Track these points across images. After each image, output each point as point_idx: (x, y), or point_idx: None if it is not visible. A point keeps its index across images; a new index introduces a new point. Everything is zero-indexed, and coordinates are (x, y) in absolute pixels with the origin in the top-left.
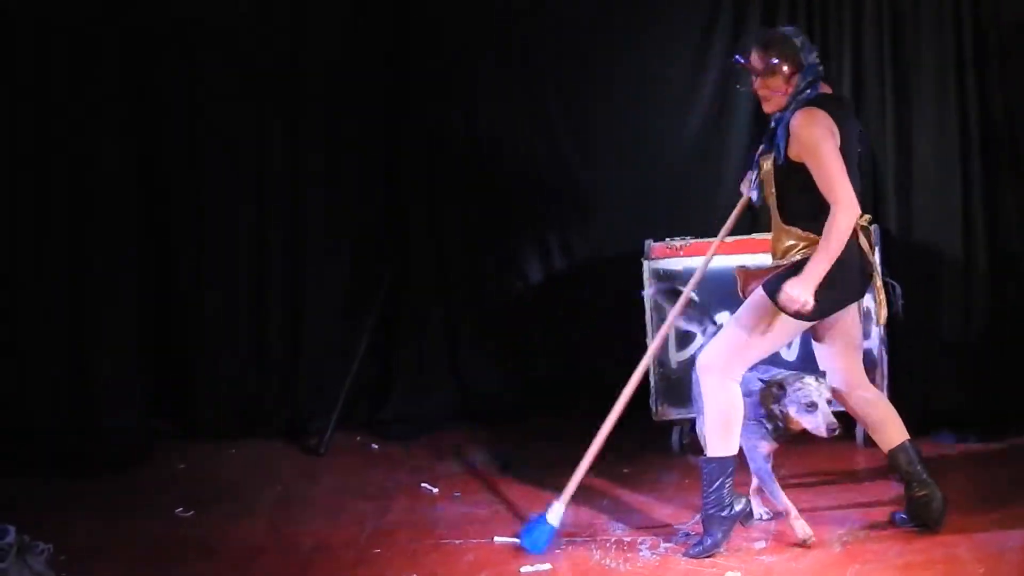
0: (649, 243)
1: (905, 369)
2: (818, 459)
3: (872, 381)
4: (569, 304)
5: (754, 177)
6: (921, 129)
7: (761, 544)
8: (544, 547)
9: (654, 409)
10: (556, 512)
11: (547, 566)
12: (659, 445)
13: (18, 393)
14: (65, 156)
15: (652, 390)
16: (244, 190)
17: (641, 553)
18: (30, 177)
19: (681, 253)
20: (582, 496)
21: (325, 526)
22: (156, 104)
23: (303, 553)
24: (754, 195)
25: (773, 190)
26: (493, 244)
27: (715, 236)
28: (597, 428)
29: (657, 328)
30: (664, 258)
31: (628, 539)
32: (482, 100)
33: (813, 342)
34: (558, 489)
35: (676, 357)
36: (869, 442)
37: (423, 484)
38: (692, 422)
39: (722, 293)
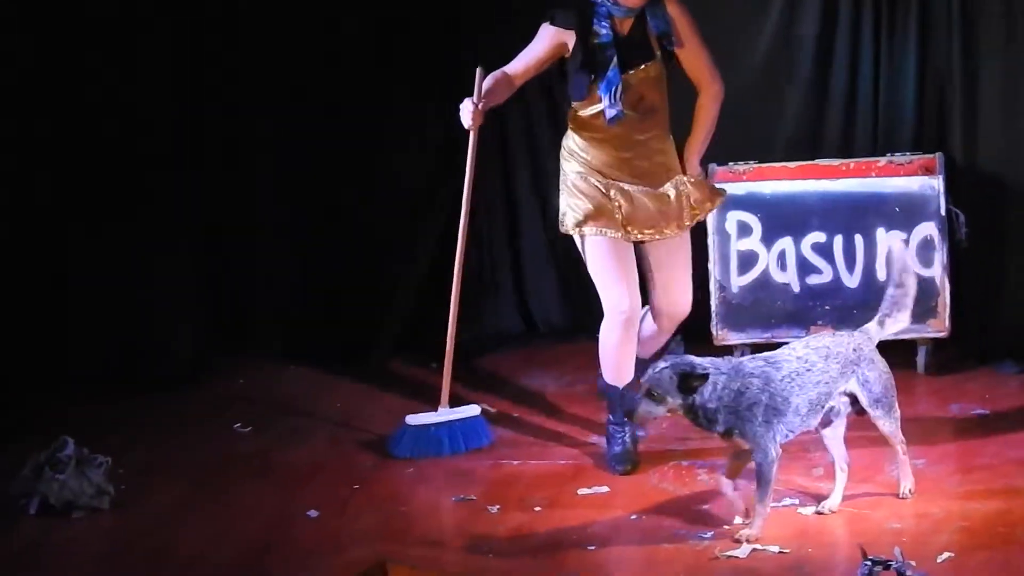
0: (712, 167)
1: (967, 297)
2: None
3: (934, 310)
4: None
5: (617, 92)
6: (987, 55)
7: (819, 471)
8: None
9: (715, 333)
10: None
11: (605, 488)
12: None
13: (77, 311)
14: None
15: (712, 314)
16: (305, 107)
17: (699, 478)
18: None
19: (744, 178)
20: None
21: (384, 445)
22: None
23: (362, 471)
24: (614, 111)
25: (662, 93)
26: (557, 166)
27: (778, 161)
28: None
29: (719, 251)
30: (727, 182)
31: (686, 463)
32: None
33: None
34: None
35: (737, 282)
36: (930, 370)
37: (483, 405)
38: (750, 347)
39: (786, 218)
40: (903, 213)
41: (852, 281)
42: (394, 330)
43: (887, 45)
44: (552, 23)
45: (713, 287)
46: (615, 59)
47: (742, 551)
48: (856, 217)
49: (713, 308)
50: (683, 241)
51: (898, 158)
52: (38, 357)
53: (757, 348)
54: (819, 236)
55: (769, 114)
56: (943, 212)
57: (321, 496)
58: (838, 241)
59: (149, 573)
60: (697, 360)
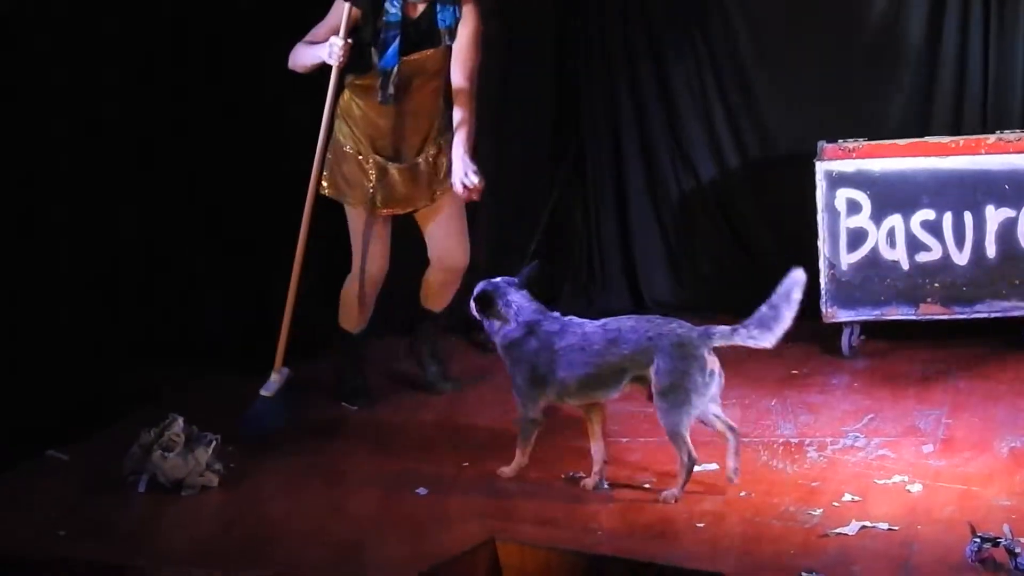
0: (822, 144)
1: None
2: (989, 366)
3: None
4: (742, 203)
5: (392, 76)
6: None
7: (929, 448)
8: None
9: (824, 311)
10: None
11: (714, 466)
12: (829, 347)
13: (192, 293)
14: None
15: (822, 292)
16: None
17: (808, 455)
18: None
19: (854, 155)
20: (750, 397)
21: (495, 420)
22: None
23: (474, 445)
24: (385, 94)
25: (440, 79)
26: (668, 143)
27: (887, 139)
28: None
29: (828, 229)
30: (837, 159)
31: (796, 441)
32: None
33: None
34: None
35: (847, 259)
36: None
37: None
38: (860, 325)
39: (895, 196)
40: (1012, 190)
41: (961, 258)
42: None
43: (996, 22)
44: None
45: (823, 264)
46: (397, 41)
47: (851, 528)
48: (965, 194)
49: (822, 286)
50: (446, 205)
51: (1007, 135)
52: (153, 329)
53: (867, 326)
54: (929, 213)
55: (879, 92)
56: None
57: (430, 474)
58: (947, 218)
59: (261, 549)
60: (511, 295)
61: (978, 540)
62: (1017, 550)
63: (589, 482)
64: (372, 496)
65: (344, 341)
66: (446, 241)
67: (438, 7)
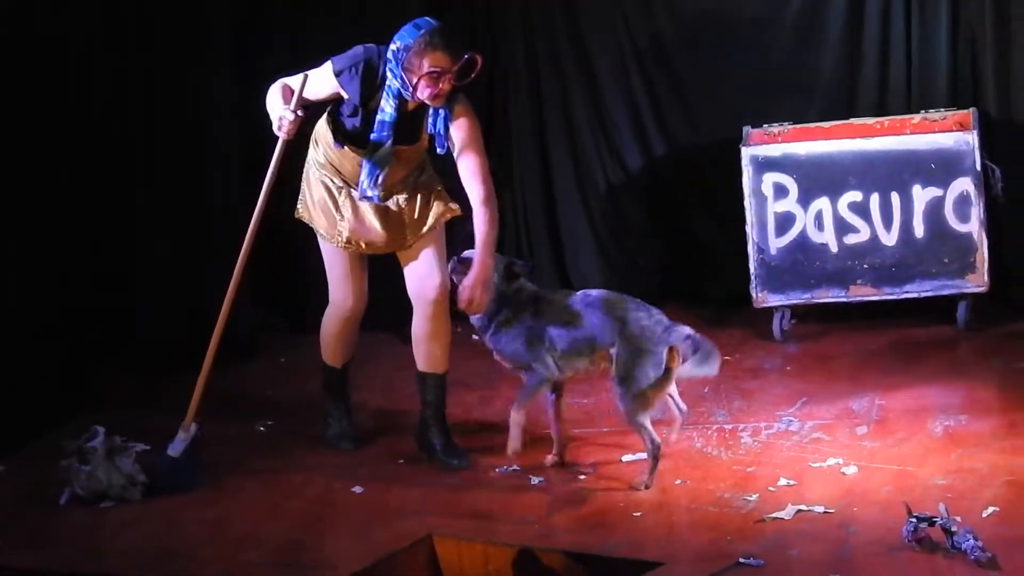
0: (747, 129)
1: (1006, 252)
2: (920, 345)
3: (972, 265)
4: (669, 190)
5: (379, 178)
6: (1019, 7)
7: (863, 429)
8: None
9: (754, 296)
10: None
11: None
12: (760, 332)
13: (129, 291)
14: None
15: (752, 276)
16: None
17: (743, 440)
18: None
19: (780, 139)
20: (682, 384)
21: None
22: None
23: (406, 445)
24: (370, 194)
25: (423, 160)
26: (593, 131)
27: (813, 121)
28: (699, 315)
29: (756, 214)
30: (762, 144)
31: (729, 427)
32: None
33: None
34: None
35: (775, 243)
36: (970, 325)
37: None
38: (791, 309)
39: (822, 179)
40: (939, 169)
41: (890, 239)
42: None
43: (918, 1)
44: (337, 77)
45: (751, 250)
46: (389, 142)
47: (787, 512)
48: (892, 175)
49: (752, 271)
50: (424, 240)
51: (932, 114)
52: (103, 332)
53: (798, 310)
54: (856, 195)
55: (803, 75)
56: (978, 167)
57: (366, 471)
58: (875, 199)
59: (199, 551)
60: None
61: (914, 520)
62: (953, 528)
63: (549, 459)
64: (310, 496)
65: (327, 376)
66: (417, 276)
67: (430, 110)
